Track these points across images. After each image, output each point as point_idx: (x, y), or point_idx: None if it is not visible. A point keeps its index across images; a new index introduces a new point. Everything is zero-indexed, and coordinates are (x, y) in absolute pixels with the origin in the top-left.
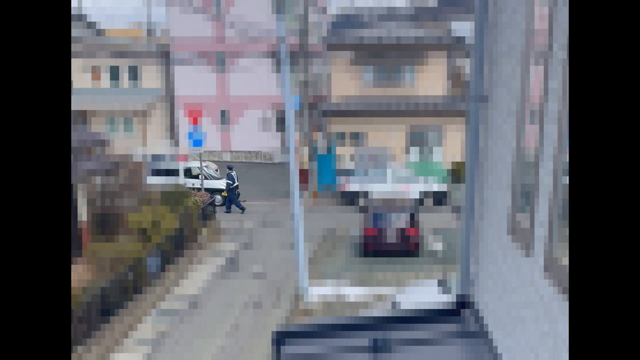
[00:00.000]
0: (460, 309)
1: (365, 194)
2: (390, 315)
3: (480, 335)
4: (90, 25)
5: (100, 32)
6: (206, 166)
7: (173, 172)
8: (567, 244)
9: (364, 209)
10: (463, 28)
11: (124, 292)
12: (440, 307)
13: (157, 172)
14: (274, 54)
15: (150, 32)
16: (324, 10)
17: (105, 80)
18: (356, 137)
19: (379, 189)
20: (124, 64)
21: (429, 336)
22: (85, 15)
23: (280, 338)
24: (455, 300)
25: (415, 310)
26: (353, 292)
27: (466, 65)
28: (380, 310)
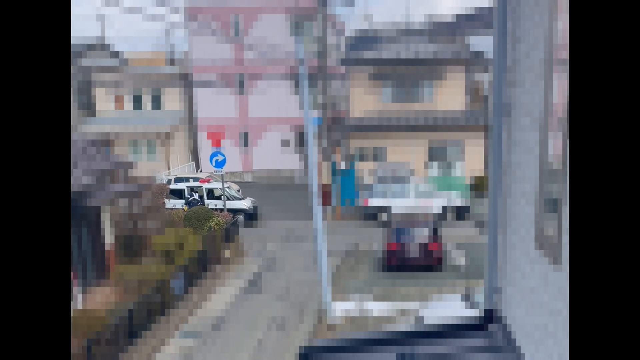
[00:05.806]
0: (487, 322)
1: (387, 209)
2: (415, 329)
3: (508, 349)
4: (114, 54)
5: (124, 62)
6: (228, 187)
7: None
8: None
9: (386, 224)
10: (481, 42)
11: (149, 313)
12: (466, 322)
13: (173, 194)
14: (292, 76)
15: (172, 54)
16: (340, 32)
17: (128, 105)
18: (377, 154)
19: (400, 204)
20: (146, 90)
21: (456, 351)
22: (109, 45)
23: (307, 355)
24: (481, 314)
25: (441, 324)
26: (376, 308)
27: (484, 79)
28: (405, 325)
